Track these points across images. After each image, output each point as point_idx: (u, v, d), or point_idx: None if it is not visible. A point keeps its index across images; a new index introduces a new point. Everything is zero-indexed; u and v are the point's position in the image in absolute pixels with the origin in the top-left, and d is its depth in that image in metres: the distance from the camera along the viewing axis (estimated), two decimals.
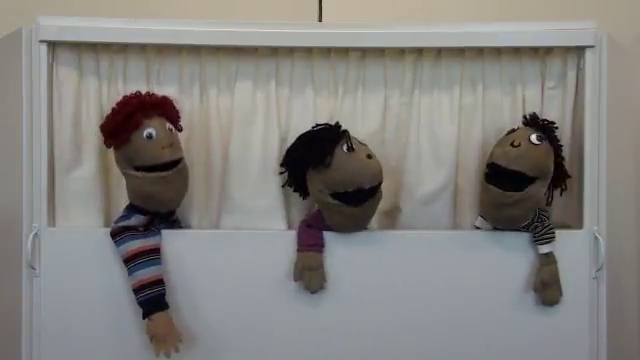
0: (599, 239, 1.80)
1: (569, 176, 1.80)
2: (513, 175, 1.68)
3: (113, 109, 1.69)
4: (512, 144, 1.69)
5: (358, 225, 1.78)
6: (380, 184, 1.70)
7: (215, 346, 1.80)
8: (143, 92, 1.73)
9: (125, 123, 1.66)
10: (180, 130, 1.75)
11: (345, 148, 1.67)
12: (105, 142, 1.71)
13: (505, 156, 1.68)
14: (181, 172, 1.72)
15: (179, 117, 1.76)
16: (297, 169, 1.74)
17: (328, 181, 1.68)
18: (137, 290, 1.71)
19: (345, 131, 1.71)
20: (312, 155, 1.69)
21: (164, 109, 1.72)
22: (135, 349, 1.77)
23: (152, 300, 1.70)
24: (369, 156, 1.68)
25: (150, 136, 1.67)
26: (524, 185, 1.69)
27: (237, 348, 1.80)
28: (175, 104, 1.75)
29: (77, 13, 1.88)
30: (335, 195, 1.68)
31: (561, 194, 1.81)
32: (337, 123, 1.73)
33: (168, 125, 1.71)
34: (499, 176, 1.69)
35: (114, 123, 1.67)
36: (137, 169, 1.69)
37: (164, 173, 1.68)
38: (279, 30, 1.79)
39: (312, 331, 1.80)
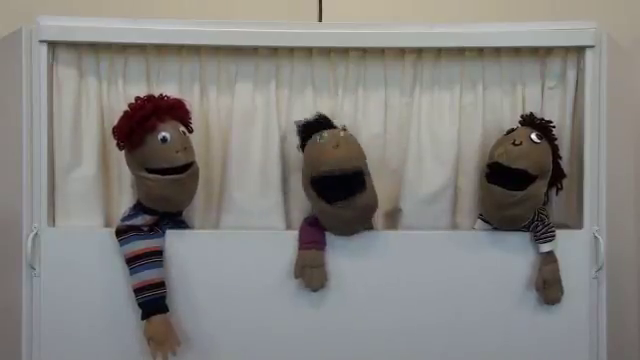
0: (599, 239, 1.80)
1: (565, 175, 1.80)
2: (516, 174, 1.68)
3: (126, 112, 1.68)
4: (513, 143, 1.69)
5: (342, 227, 1.76)
6: (353, 175, 1.68)
7: (214, 346, 1.80)
8: (148, 94, 1.73)
9: (140, 126, 1.65)
10: (191, 131, 1.75)
11: (318, 138, 1.71)
12: (118, 145, 1.71)
13: (507, 155, 1.68)
14: (193, 175, 1.72)
15: (190, 118, 1.76)
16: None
17: (304, 167, 1.73)
18: (138, 291, 1.71)
19: (326, 122, 1.75)
20: (301, 141, 1.76)
21: (178, 112, 1.72)
22: (135, 349, 1.77)
23: (152, 302, 1.71)
24: (335, 146, 1.68)
25: (164, 140, 1.67)
26: (526, 184, 1.69)
27: (236, 348, 1.80)
28: (188, 106, 1.75)
29: (77, 13, 1.88)
30: (311, 183, 1.70)
31: (557, 193, 1.81)
32: (323, 116, 1.77)
33: (181, 128, 1.71)
34: (501, 175, 1.69)
35: (129, 126, 1.66)
36: (150, 172, 1.68)
37: (177, 176, 1.68)
38: (279, 30, 1.79)
39: (312, 331, 1.80)
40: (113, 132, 1.70)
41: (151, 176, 1.68)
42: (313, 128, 1.75)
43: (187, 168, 1.70)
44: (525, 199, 1.70)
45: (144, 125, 1.65)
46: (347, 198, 1.67)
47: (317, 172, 1.68)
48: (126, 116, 1.68)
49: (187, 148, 1.70)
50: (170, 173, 1.68)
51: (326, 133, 1.72)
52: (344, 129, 1.77)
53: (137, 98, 1.70)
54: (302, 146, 1.77)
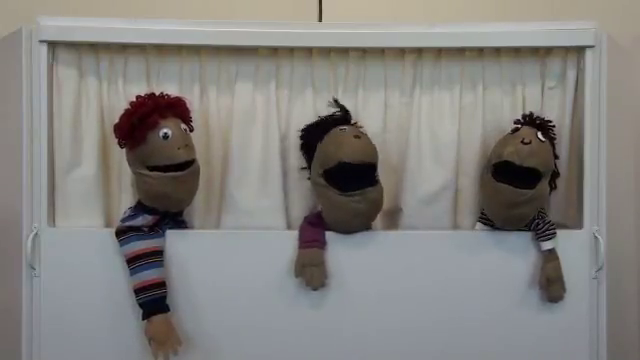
0: (599, 239, 1.80)
1: (559, 174, 1.81)
2: (526, 172, 1.68)
3: (127, 110, 1.68)
4: (522, 141, 1.69)
5: (352, 220, 1.76)
6: (368, 169, 1.70)
7: (215, 346, 1.80)
8: (149, 92, 1.73)
9: (141, 123, 1.65)
10: (191, 130, 1.75)
11: (339, 129, 1.73)
12: (119, 143, 1.71)
13: (518, 153, 1.68)
14: (194, 173, 1.72)
15: (191, 117, 1.76)
16: (306, 151, 1.79)
17: (318, 158, 1.73)
18: (138, 291, 1.71)
19: (347, 114, 1.78)
20: (313, 134, 1.76)
21: (178, 110, 1.72)
22: (135, 349, 1.77)
23: (152, 302, 1.71)
24: (356, 136, 1.71)
25: (166, 136, 1.67)
26: (534, 182, 1.69)
27: (237, 347, 1.80)
28: (188, 104, 1.75)
29: (77, 13, 1.88)
30: (324, 174, 1.71)
31: (550, 192, 1.81)
32: (345, 110, 1.79)
33: (183, 126, 1.71)
34: (511, 174, 1.69)
35: (130, 124, 1.66)
36: (151, 169, 1.68)
37: (178, 173, 1.68)
38: (279, 30, 1.79)
39: (313, 331, 1.80)
40: (114, 130, 1.70)
41: (152, 173, 1.68)
42: (334, 122, 1.77)
43: (188, 165, 1.70)
44: (534, 198, 1.70)
45: (145, 122, 1.66)
46: (361, 189, 1.69)
47: (336, 160, 1.68)
48: (127, 114, 1.68)
49: (188, 145, 1.70)
50: (171, 170, 1.68)
51: (346, 127, 1.75)
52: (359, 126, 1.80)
53: (138, 96, 1.71)
54: (306, 145, 1.79)
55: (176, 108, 1.72)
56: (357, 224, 1.78)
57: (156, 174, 1.68)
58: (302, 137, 1.80)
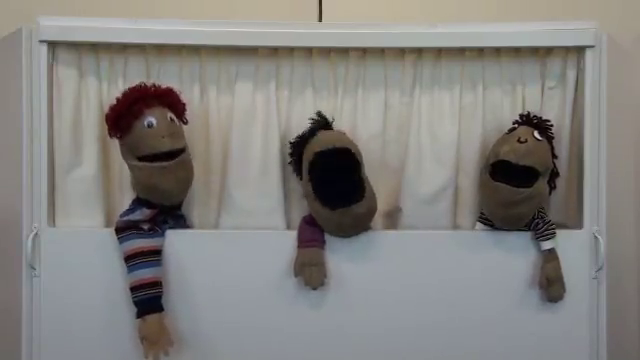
0: (599, 239, 1.80)
1: (559, 174, 1.81)
2: (522, 171, 1.68)
3: (117, 99, 1.69)
4: (519, 140, 1.70)
5: (339, 232, 1.77)
6: (345, 157, 1.69)
7: (213, 346, 1.80)
8: (145, 83, 1.73)
9: (127, 112, 1.66)
10: (185, 123, 1.75)
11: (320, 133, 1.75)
12: (108, 132, 1.71)
13: (515, 152, 1.69)
14: (183, 163, 1.71)
15: (184, 109, 1.76)
16: (296, 159, 1.79)
17: (304, 166, 1.74)
18: (134, 289, 1.71)
19: (327, 121, 1.78)
20: (298, 147, 1.77)
21: (167, 100, 1.72)
22: (135, 349, 1.77)
23: (147, 301, 1.71)
24: (329, 132, 1.74)
25: (150, 125, 1.66)
26: (532, 181, 1.69)
27: (236, 348, 1.80)
28: (180, 97, 1.75)
29: (77, 13, 1.89)
30: (309, 175, 1.71)
31: (550, 193, 1.81)
32: (324, 117, 1.79)
33: (170, 115, 1.70)
34: (508, 173, 1.69)
35: (117, 112, 1.67)
36: (139, 159, 1.68)
37: (165, 163, 1.67)
38: (279, 30, 1.79)
39: (312, 331, 1.80)
40: (105, 120, 1.71)
41: (140, 164, 1.68)
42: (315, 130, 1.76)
43: (175, 155, 1.68)
44: (531, 196, 1.70)
45: (131, 110, 1.66)
46: (345, 206, 1.68)
47: (312, 154, 1.69)
48: (116, 103, 1.69)
49: (174, 134, 1.69)
50: (158, 160, 1.67)
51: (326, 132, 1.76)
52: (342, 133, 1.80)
53: (130, 88, 1.71)
54: (295, 159, 1.79)
55: (164, 98, 1.71)
56: (347, 234, 1.78)
57: (143, 164, 1.68)
58: (291, 155, 1.79)
